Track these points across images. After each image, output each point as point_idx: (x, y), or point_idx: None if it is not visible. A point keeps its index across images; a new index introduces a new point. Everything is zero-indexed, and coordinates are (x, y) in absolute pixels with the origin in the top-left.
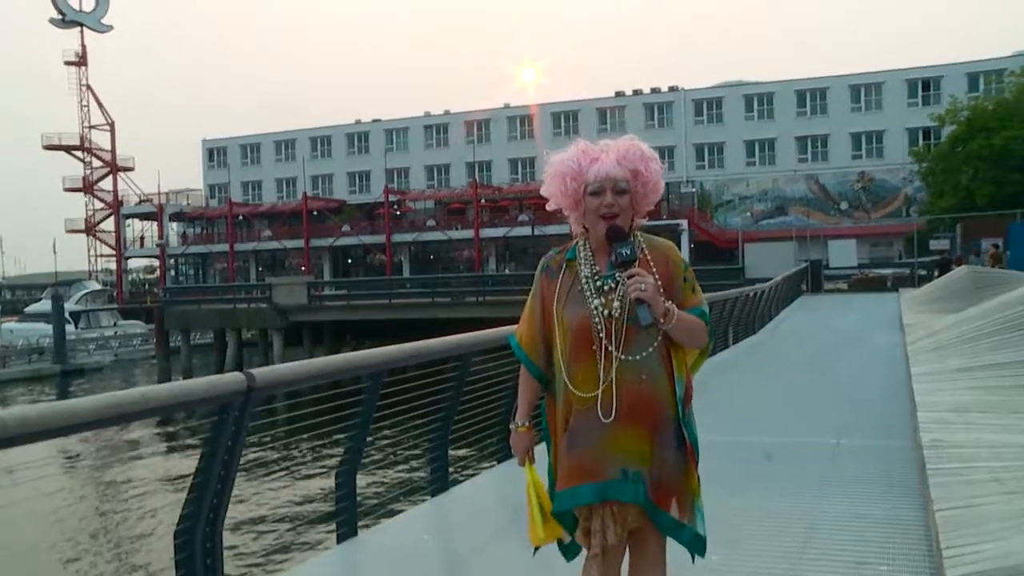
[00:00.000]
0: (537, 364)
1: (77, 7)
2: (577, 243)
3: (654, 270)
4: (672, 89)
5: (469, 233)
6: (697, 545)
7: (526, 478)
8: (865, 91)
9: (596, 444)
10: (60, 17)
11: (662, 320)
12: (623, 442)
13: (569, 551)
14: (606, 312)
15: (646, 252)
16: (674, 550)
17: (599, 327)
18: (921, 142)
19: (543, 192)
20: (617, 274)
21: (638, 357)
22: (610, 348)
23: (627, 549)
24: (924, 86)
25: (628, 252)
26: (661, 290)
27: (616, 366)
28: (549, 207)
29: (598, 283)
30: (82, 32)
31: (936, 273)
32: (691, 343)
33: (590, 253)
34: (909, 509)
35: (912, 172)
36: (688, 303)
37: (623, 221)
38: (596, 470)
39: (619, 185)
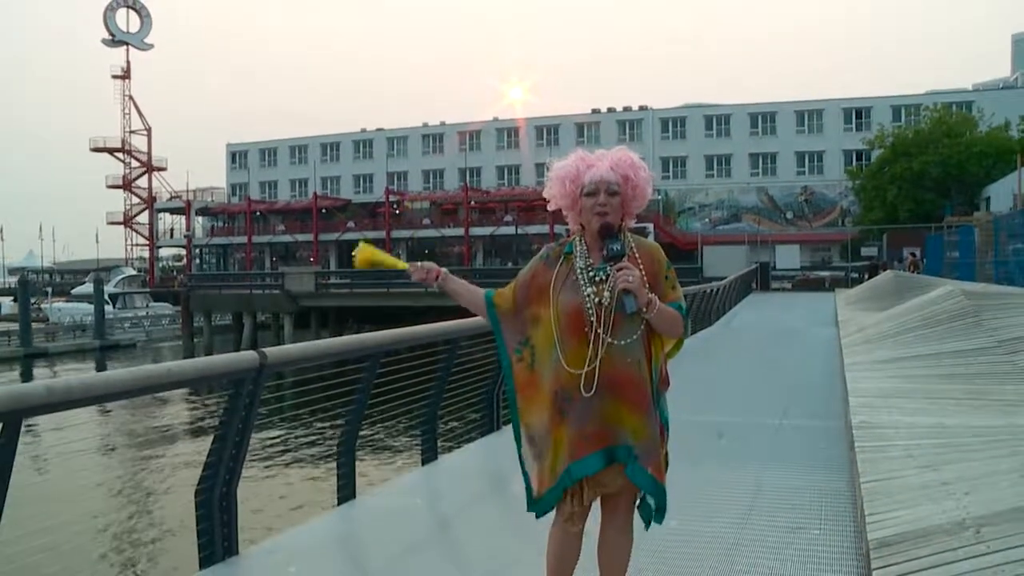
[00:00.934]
0: (495, 301)
1: (125, 28)
2: (575, 239)
3: (641, 266)
4: (642, 108)
5: (460, 231)
6: (659, 515)
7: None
8: (808, 116)
9: (598, 417)
10: (111, 38)
11: (645, 309)
12: (621, 416)
13: (540, 506)
14: (597, 300)
15: (635, 251)
16: (638, 517)
17: (590, 312)
18: (854, 162)
19: (545, 194)
20: (608, 267)
21: (624, 342)
22: (599, 331)
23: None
24: (857, 114)
25: (618, 248)
26: (646, 284)
27: (605, 348)
28: (550, 207)
29: (591, 274)
30: (127, 50)
31: (866, 276)
32: (669, 332)
33: (585, 248)
34: (839, 481)
35: (847, 188)
36: (669, 297)
37: (613, 219)
38: (601, 438)
39: (611, 187)
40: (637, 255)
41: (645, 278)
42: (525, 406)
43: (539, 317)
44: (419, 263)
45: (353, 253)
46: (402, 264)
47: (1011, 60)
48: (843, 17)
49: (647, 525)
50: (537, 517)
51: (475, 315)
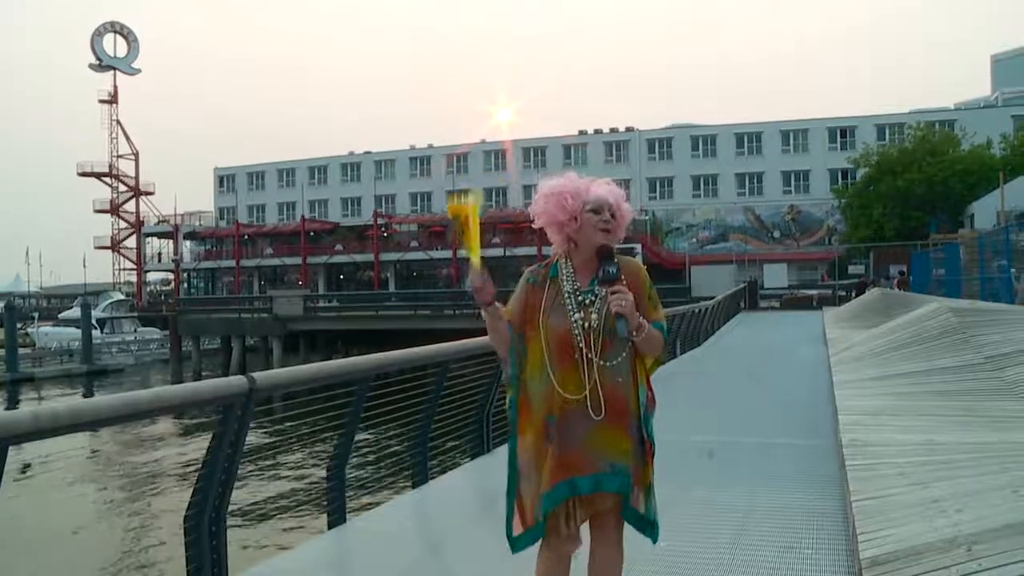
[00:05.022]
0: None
1: (112, 53)
2: (559, 261)
3: (625, 283)
4: (628, 129)
5: (448, 253)
6: (651, 531)
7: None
8: (793, 136)
9: (584, 441)
10: (98, 63)
11: (635, 332)
12: (608, 439)
13: (520, 542)
14: (585, 324)
15: (621, 271)
16: (630, 536)
17: (579, 337)
18: (840, 181)
19: (534, 210)
20: (598, 288)
21: (613, 362)
22: (589, 355)
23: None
24: (842, 133)
25: (614, 271)
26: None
27: (595, 370)
28: (537, 223)
29: (579, 298)
30: (115, 75)
31: (854, 294)
32: (651, 352)
33: (572, 270)
34: (830, 500)
35: (833, 206)
36: (651, 317)
37: (614, 239)
38: (587, 464)
39: (612, 208)
40: (622, 275)
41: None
42: (522, 430)
43: (528, 340)
44: (486, 275)
45: (460, 204)
46: (476, 258)
47: (991, 79)
48: (826, 38)
49: (654, 541)
50: (514, 551)
51: (461, 339)
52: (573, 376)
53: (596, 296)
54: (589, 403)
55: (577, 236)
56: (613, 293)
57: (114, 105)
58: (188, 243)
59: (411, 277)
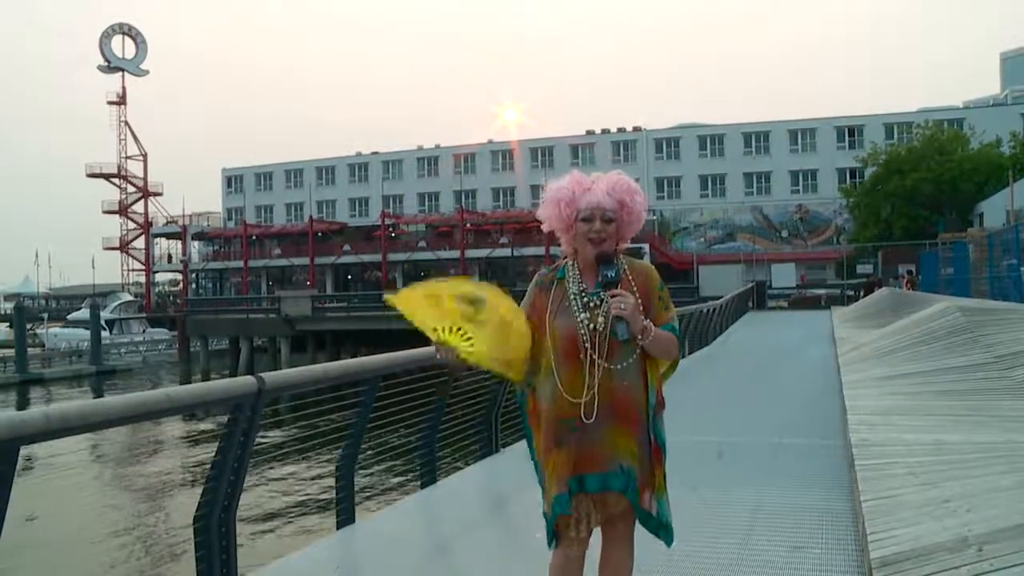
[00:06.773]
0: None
1: (120, 55)
2: (567, 263)
3: (635, 288)
4: (636, 129)
5: (456, 253)
6: (665, 534)
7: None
8: (801, 135)
9: (596, 442)
10: (106, 64)
11: (640, 336)
12: (616, 440)
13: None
14: (591, 325)
15: (628, 273)
16: (640, 537)
17: (584, 338)
18: (848, 180)
19: (539, 216)
20: (602, 293)
21: (620, 366)
22: (594, 356)
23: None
24: (850, 132)
25: (613, 275)
26: (641, 308)
27: (600, 373)
28: (544, 229)
29: (585, 299)
30: (123, 76)
31: (862, 294)
32: (664, 356)
33: (578, 273)
34: (839, 500)
35: (841, 206)
36: (661, 319)
37: (608, 245)
38: (597, 463)
39: (607, 214)
40: (630, 277)
41: (640, 302)
42: (535, 434)
43: (537, 343)
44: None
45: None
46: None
47: (1000, 78)
48: (834, 37)
49: (668, 544)
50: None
51: None
52: (579, 379)
53: (602, 299)
54: (596, 406)
55: (575, 243)
56: (613, 296)
57: (122, 106)
58: (196, 244)
59: (419, 277)
